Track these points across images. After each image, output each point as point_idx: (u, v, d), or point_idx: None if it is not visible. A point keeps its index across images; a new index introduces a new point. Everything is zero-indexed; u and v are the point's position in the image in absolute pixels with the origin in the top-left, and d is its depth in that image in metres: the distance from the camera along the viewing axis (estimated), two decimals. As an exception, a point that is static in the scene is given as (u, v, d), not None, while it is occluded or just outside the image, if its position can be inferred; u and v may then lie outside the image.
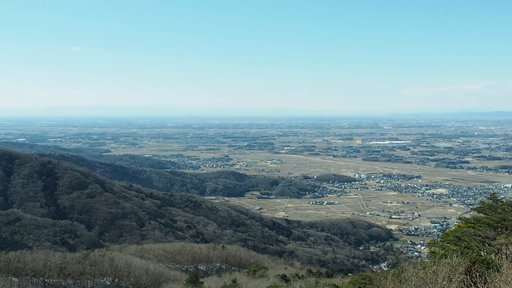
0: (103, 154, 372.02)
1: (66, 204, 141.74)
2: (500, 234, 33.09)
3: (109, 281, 58.84)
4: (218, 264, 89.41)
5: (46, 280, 54.33)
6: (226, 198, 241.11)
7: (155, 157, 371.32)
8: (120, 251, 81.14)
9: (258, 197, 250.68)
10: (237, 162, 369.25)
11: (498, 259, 27.50)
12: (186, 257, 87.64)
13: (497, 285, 20.04)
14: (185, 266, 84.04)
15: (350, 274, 76.76)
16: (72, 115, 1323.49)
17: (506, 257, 28.24)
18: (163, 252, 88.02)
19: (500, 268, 22.09)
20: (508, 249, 30.35)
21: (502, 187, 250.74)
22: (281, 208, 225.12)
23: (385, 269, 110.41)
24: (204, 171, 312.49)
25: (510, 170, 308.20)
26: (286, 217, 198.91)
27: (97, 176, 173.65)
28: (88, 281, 56.56)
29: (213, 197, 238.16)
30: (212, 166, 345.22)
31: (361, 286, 41.68)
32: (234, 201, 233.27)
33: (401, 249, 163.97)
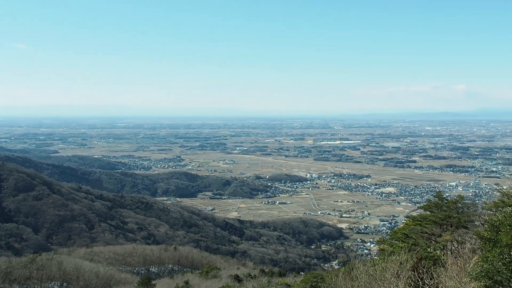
0: (51, 155, 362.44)
1: (12, 207, 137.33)
2: (446, 231, 34.11)
3: (57, 285, 57.48)
4: (170, 266, 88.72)
5: (-9, 286, 52.71)
6: (178, 199, 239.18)
7: (105, 158, 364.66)
8: (68, 254, 79.40)
9: (210, 198, 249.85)
10: (189, 162, 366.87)
11: (443, 255, 28.36)
12: (138, 259, 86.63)
13: (443, 280, 20.69)
14: (137, 268, 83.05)
15: (302, 273, 77.54)
16: (17, 115, 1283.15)
17: (451, 253, 29.13)
18: (114, 254, 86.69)
19: (446, 264, 22.81)
20: (453, 245, 31.31)
21: (447, 185, 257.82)
22: (234, 209, 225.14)
23: (336, 267, 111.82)
24: (156, 172, 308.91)
25: (455, 169, 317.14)
26: (238, 217, 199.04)
27: (44, 177, 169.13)
28: (35, 286, 55.05)
29: (165, 198, 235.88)
30: (164, 166, 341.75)
31: (313, 284, 42.19)
32: (187, 202, 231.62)
33: (351, 247, 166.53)
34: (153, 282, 57.90)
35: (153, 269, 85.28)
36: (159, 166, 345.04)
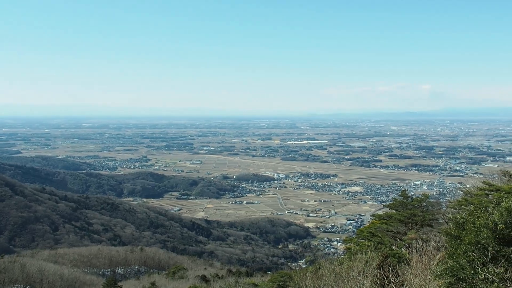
0: (13, 155, 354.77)
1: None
2: (411, 229, 34.59)
3: (21, 288, 56.42)
4: (136, 267, 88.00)
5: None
6: (145, 200, 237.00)
7: (69, 159, 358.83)
8: (32, 256, 78.00)
9: (177, 198, 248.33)
10: (156, 162, 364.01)
11: (409, 253, 28.73)
12: (103, 260, 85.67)
13: (408, 278, 20.93)
14: (102, 270, 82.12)
15: (270, 273, 77.75)
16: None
17: (416, 251, 29.52)
18: (79, 256, 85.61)
19: (411, 262, 23.09)
20: (418, 243, 31.74)
21: (412, 184, 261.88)
22: (201, 209, 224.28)
23: (304, 266, 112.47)
24: (122, 172, 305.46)
25: (420, 168, 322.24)
26: (205, 218, 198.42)
27: (6, 178, 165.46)
28: (-3, 289, 53.99)
29: (131, 199, 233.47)
30: (130, 167, 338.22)
31: (281, 284, 42.30)
32: (153, 202, 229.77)
33: (318, 246, 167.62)
34: (119, 283, 57.29)
35: (119, 271, 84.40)
36: (125, 166, 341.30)
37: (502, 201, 16.06)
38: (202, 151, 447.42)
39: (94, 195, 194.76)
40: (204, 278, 63.68)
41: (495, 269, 14.70)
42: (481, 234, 15.25)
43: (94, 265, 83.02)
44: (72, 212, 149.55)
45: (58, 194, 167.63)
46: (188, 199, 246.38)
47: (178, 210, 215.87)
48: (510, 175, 34.97)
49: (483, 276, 14.74)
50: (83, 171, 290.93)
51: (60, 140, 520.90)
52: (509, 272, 14.69)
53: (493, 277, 14.58)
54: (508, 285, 14.51)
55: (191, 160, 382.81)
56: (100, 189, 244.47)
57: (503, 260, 14.92)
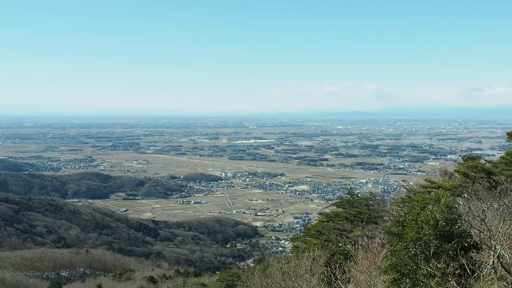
0: None
1: None
2: (356, 227, 35.34)
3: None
4: (82, 269, 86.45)
5: None
6: (90, 201, 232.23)
7: (10, 159, 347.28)
8: (-29, 261, 75.41)
9: (123, 199, 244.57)
10: (101, 163, 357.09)
11: (354, 250, 29.34)
12: (47, 263, 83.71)
13: (354, 274, 21.39)
14: (46, 273, 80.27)
15: (218, 272, 77.77)
16: None
17: (362, 248, 30.18)
18: (21, 259, 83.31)
19: (357, 259, 23.60)
20: (364, 240, 32.46)
21: (358, 182, 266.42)
22: (148, 209, 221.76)
23: (252, 265, 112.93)
24: (66, 173, 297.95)
25: (365, 167, 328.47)
26: (153, 218, 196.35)
27: None
28: None
29: (76, 200, 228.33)
30: (75, 167, 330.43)
31: (229, 283, 42.41)
32: (99, 203, 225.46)
33: (266, 245, 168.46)
34: (63, 286, 56.16)
35: (63, 274, 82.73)
36: (69, 167, 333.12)
37: (441, 198, 16.62)
38: (149, 151, 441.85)
39: (37, 197, 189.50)
40: (151, 279, 63.17)
41: (437, 265, 15.22)
42: (423, 231, 15.76)
43: (37, 269, 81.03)
44: (13, 214, 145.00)
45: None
46: (135, 199, 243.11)
47: (125, 211, 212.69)
48: (451, 173, 36.18)
49: (425, 271, 15.24)
50: (26, 172, 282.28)
51: (1, 140, 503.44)
52: (450, 267, 15.24)
53: (435, 272, 15.09)
54: (449, 279, 15.05)
55: (138, 160, 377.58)
56: (44, 190, 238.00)
57: (444, 256, 15.46)
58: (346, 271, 22.34)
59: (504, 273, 15.26)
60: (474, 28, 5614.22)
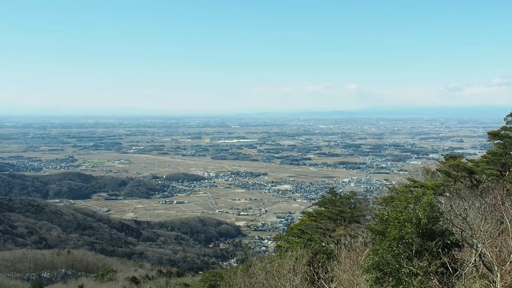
0: None
1: None
2: (339, 226, 35.41)
3: None
4: (63, 270, 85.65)
5: None
6: (72, 201, 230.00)
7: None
8: (-51, 262, 74.36)
9: (105, 199, 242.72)
10: (83, 162, 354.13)
11: (337, 249, 29.38)
12: (28, 264, 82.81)
13: (337, 274, 21.39)
14: (27, 275, 79.37)
15: (201, 272, 77.62)
16: None
17: (345, 247, 30.25)
18: (2, 261, 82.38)
19: (339, 258, 23.61)
20: (346, 239, 32.53)
21: (341, 181, 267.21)
22: (130, 209, 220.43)
23: (235, 265, 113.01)
24: (47, 173, 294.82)
25: (348, 166, 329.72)
26: (135, 218, 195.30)
27: None
28: None
29: (57, 200, 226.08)
30: (56, 167, 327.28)
31: (212, 283, 42.25)
32: (80, 203, 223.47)
33: (249, 245, 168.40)
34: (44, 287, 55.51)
35: (45, 275, 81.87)
36: (50, 167, 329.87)
37: (423, 196, 16.68)
38: (131, 150, 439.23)
39: (18, 197, 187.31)
40: (134, 280, 62.81)
41: (419, 263, 15.26)
42: (405, 229, 15.79)
43: (18, 270, 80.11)
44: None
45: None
46: (117, 199, 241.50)
47: (107, 211, 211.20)
48: (433, 172, 36.40)
49: (407, 270, 15.27)
50: (6, 172, 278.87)
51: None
52: (432, 266, 15.28)
53: (418, 271, 15.13)
54: (432, 278, 15.10)
55: (120, 159, 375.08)
56: (24, 190, 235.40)
57: (426, 254, 15.51)
58: (329, 270, 22.35)
59: (486, 271, 15.35)
60: (454, 28, 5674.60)
